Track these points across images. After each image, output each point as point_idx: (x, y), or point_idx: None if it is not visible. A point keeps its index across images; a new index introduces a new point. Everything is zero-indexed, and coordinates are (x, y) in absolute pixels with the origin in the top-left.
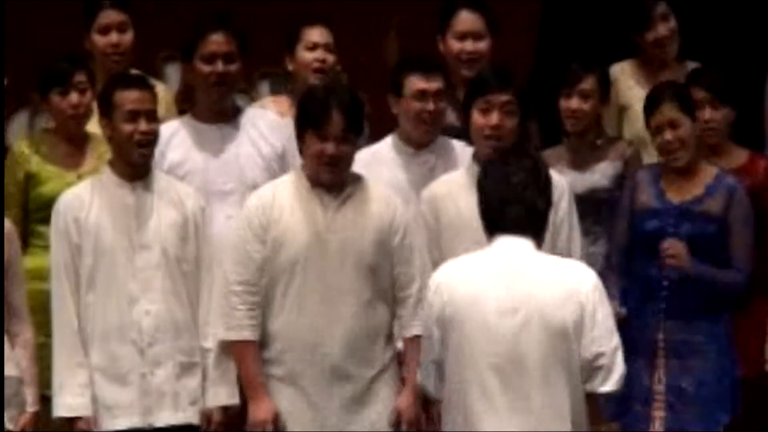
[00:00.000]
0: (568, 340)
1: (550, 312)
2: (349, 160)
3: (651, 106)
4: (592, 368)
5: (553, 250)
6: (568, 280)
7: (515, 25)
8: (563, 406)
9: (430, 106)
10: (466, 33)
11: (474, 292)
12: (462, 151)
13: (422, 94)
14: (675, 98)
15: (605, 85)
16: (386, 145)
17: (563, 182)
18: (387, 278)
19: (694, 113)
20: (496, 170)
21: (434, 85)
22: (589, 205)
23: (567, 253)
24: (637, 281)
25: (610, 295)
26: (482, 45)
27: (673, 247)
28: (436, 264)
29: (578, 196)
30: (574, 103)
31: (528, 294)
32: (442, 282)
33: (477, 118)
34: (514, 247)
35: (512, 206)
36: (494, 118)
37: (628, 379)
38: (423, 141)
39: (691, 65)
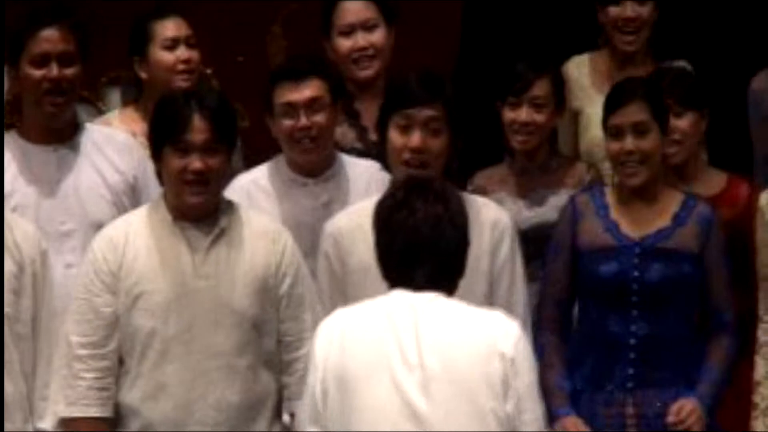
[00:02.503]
0: (488, 399)
1: (467, 369)
2: (219, 179)
3: (613, 103)
4: None
5: (492, 302)
6: (487, 331)
7: (432, 25)
8: None
9: (302, 121)
10: (353, 25)
11: (376, 346)
12: (373, 176)
13: (291, 108)
14: (647, 98)
15: (560, 91)
16: (267, 172)
17: (505, 218)
18: (273, 336)
19: (667, 127)
20: (399, 212)
21: (305, 93)
22: (537, 244)
23: (507, 306)
24: (594, 341)
25: (555, 380)
26: (376, 37)
27: (686, 409)
28: None
29: (524, 233)
30: (524, 114)
31: (440, 349)
32: (335, 332)
33: (395, 137)
34: (417, 295)
35: (421, 260)
36: (416, 138)
37: None
38: (311, 167)
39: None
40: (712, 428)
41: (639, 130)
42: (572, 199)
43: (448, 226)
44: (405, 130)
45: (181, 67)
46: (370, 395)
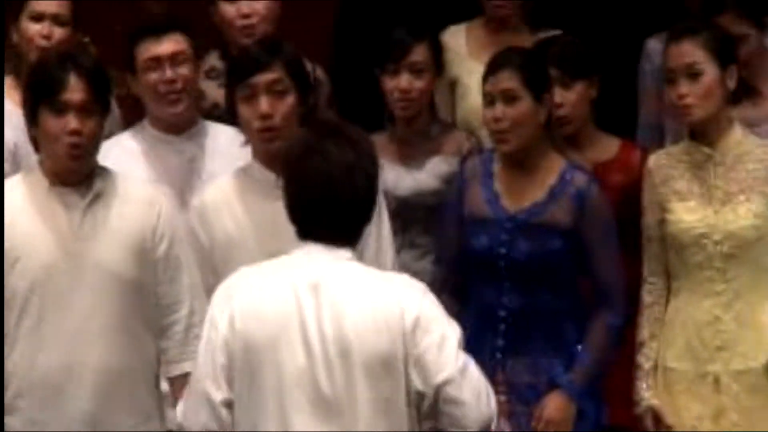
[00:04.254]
0: (393, 372)
1: (370, 339)
2: (95, 140)
3: (487, 70)
4: (438, 402)
5: None
6: (391, 306)
7: None
8: None
9: (168, 74)
10: None
11: (276, 313)
12: (233, 140)
13: (155, 62)
14: (519, 67)
15: (438, 55)
16: (131, 134)
17: None
18: (152, 300)
19: (543, 96)
20: (311, 158)
21: (168, 47)
22: (415, 210)
23: None
24: (473, 308)
25: None
26: (261, 4)
27: (545, 417)
28: (209, 291)
29: (403, 199)
30: (404, 81)
31: (343, 317)
32: (233, 296)
33: (243, 110)
34: (324, 257)
35: (334, 210)
36: (262, 104)
37: None
38: (176, 122)
39: (549, 34)
40: (596, 403)
41: (508, 97)
42: (462, 163)
43: (361, 173)
44: (251, 99)
45: (37, 40)
46: (274, 371)
